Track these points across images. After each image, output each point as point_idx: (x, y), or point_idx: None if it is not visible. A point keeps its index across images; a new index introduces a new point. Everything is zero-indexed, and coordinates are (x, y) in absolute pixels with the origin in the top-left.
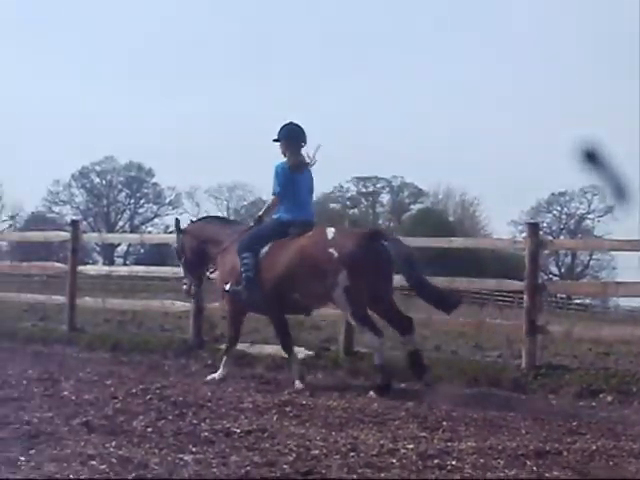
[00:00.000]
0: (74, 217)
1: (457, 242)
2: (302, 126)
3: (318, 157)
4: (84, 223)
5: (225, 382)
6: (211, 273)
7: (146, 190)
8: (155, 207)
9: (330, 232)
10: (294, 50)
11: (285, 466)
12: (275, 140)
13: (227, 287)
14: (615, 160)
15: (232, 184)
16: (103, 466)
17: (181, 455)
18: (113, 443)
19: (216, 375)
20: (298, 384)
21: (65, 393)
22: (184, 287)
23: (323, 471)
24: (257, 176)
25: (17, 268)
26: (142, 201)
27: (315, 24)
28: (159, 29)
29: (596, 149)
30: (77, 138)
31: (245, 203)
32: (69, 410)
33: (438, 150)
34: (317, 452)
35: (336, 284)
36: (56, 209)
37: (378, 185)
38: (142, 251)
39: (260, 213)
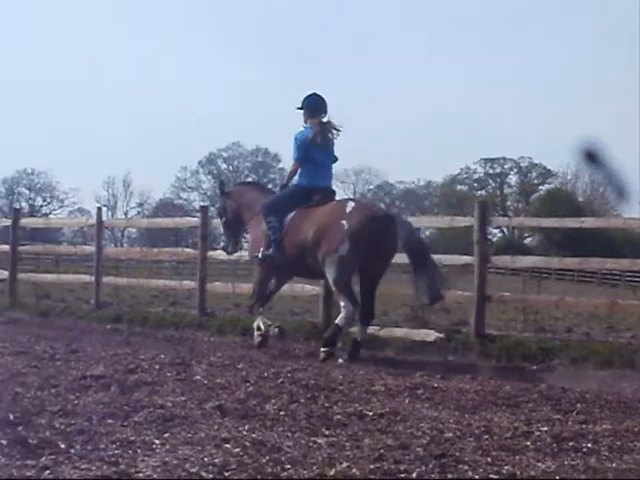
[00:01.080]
0: (202, 203)
1: (588, 222)
2: (324, 97)
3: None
4: (212, 209)
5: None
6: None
7: (273, 175)
8: None
9: (350, 205)
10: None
11: (419, 449)
12: (299, 108)
13: (260, 254)
14: (615, 159)
15: (358, 168)
16: (237, 449)
17: (314, 438)
18: (246, 426)
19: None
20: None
21: (197, 377)
22: (222, 244)
23: (457, 454)
24: (383, 159)
25: (147, 254)
26: (269, 186)
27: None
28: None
29: (597, 149)
30: (205, 124)
31: (372, 187)
32: (202, 394)
33: (567, 130)
34: (450, 435)
35: (335, 251)
36: (184, 195)
37: (506, 166)
38: None
39: (285, 181)
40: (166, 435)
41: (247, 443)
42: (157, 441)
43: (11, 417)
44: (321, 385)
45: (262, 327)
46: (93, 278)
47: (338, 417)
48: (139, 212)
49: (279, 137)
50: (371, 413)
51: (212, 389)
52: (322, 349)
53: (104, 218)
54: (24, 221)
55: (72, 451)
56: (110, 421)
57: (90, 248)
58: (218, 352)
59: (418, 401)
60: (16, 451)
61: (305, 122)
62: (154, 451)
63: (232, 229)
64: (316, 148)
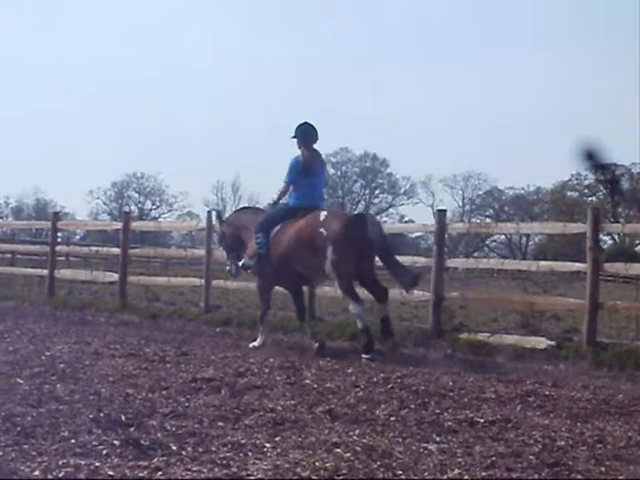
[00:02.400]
0: None
1: None
2: (315, 125)
3: None
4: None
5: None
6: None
7: (381, 180)
8: (390, 197)
9: (322, 215)
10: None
11: (531, 457)
12: (293, 137)
13: (240, 263)
14: (613, 159)
15: (467, 173)
16: (348, 454)
17: (425, 444)
18: (357, 431)
19: (256, 343)
20: (314, 344)
21: (307, 381)
22: (227, 268)
23: (570, 463)
24: (492, 165)
25: None
26: (377, 191)
27: None
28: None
29: (596, 149)
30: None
31: (480, 192)
32: (312, 398)
33: None
34: (563, 443)
35: (325, 258)
36: None
37: (617, 172)
38: None
39: (275, 199)
40: (277, 439)
41: (358, 448)
42: (268, 444)
43: (123, 418)
44: (431, 391)
45: (261, 336)
46: (203, 281)
47: (449, 424)
48: None
49: (388, 142)
50: (482, 420)
51: (322, 393)
52: (364, 356)
53: (214, 222)
54: (135, 224)
55: (183, 453)
56: (221, 424)
57: (200, 251)
58: (327, 356)
59: (529, 409)
60: (128, 452)
61: (299, 149)
62: (265, 454)
63: (233, 252)
64: (306, 174)
